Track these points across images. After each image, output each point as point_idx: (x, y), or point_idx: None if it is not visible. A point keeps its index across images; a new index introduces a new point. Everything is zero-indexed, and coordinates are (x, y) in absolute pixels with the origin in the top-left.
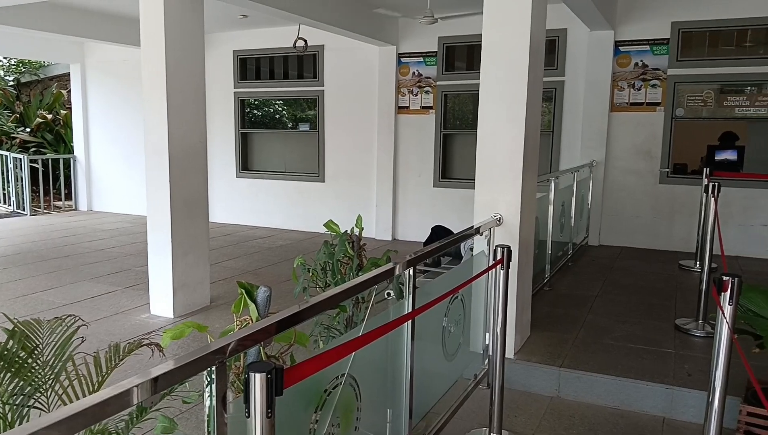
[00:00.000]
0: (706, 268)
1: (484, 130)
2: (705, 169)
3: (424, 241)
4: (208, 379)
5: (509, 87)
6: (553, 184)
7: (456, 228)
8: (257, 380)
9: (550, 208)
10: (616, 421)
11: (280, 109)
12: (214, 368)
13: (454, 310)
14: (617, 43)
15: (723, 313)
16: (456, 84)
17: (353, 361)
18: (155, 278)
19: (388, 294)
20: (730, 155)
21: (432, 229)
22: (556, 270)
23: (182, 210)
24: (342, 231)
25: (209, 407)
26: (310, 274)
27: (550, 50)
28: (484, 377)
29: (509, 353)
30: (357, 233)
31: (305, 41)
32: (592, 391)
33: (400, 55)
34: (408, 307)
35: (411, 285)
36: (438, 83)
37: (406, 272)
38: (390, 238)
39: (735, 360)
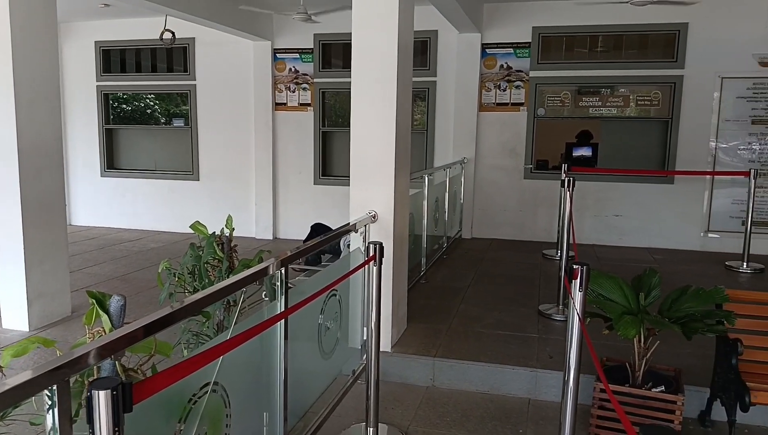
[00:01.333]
0: (564, 256)
1: (357, 129)
2: (563, 165)
3: (304, 239)
4: (49, 400)
5: (380, 87)
6: (426, 181)
7: (337, 225)
8: (101, 398)
9: (425, 204)
10: (486, 406)
11: (151, 103)
12: (54, 387)
13: (330, 308)
14: (484, 46)
15: (574, 300)
16: (333, 81)
17: (221, 366)
18: (6, 289)
19: (266, 295)
20: (585, 152)
21: (312, 226)
22: (432, 263)
23: (36, 213)
24: (215, 232)
25: (50, 430)
26: (177, 278)
27: (422, 51)
28: (363, 372)
29: (386, 347)
30: (228, 234)
31: (173, 33)
32: (464, 378)
33: (275, 51)
34: (280, 307)
35: (283, 284)
36: (315, 80)
37: (279, 272)
38: (271, 237)
39: (592, 340)
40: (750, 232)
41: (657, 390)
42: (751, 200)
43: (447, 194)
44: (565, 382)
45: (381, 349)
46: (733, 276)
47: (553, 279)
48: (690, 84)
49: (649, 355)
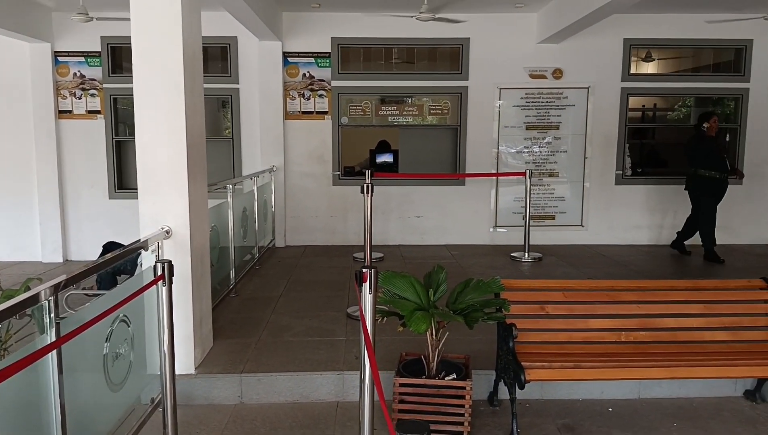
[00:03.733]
0: (368, 258)
1: (143, 139)
2: (367, 171)
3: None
4: None
5: (166, 95)
6: (230, 191)
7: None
8: None
9: (230, 214)
10: (295, 415)
11: None
12: None
13: (119, 333)
14: (285, 54)
15: (364, 302)
16: (126, 87)
17: None
18: None
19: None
20: (387, 158)
21: (104, 245)
22: (243, 275)
23: None
24: None
25: None
26: None
27: (223, 57)
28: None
29: (189, 368)
30: None
31: None
32: (273, 391)
33: (56, 54)
34: (50, 338)
35: (52, 314)
36: (105, 86)
37: (47, 301)
38: (61, 260)
39: (390, 338)
40: (529, 226)
41: (449, 378)
42: (528, 197)
43: (256, 203)
44: (362, 381)
45: (184, 372)
46: (517, 265)
47: None
48: (474, 94)
49: (440, 346)
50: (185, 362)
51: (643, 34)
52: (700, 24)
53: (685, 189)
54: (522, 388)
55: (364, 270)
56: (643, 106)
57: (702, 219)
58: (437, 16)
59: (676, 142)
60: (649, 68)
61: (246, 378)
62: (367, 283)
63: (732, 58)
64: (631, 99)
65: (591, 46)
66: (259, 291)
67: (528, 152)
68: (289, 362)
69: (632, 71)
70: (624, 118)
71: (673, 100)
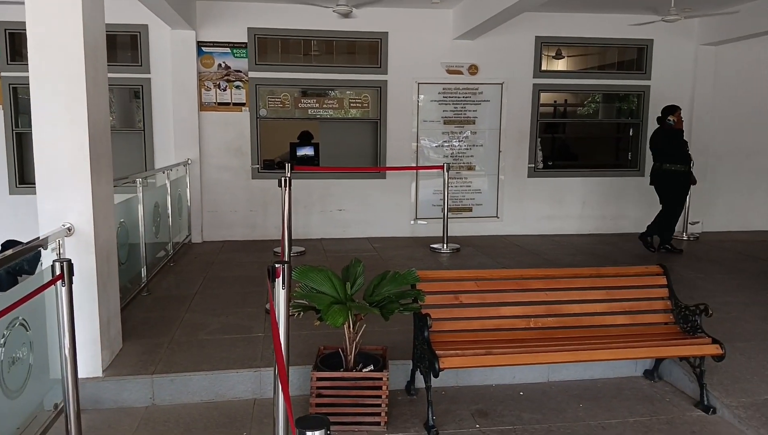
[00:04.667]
0: (287, 253)
1: (41, 132)
2: (287, 164)
3: None
4: None
5: (65, 85)
6: (140, 185)
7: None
8: None
9: (140, 210)
10: (210, 414)
11: None
12: None
13: (15, 338)
14: (200, 44)
15: (276, 298)
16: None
17: None
18: None
19: None
20: (308, 151)
21: (2, 244)
22: (156, 272)
23: None
24: None
25: None
26: None
27: (132, 46)
28: None
29: (97, 371)
30: None
31: None
32: (187, 391)
33: None
34: None
35: None
36: (3, 74)
37: None
38: None
39: (309, 332)
40: (447, 218)
41: (367, 370)
42: (446, 190)
43: (169, 198)
44: (276, 377)
45: (91, 375)
46: (436, 256)
47: None
48: (393, 88)
49: (358, 338)
50: (92, 365)
51: (553, 32)
52: (606, 23)
53: (651, 184)
54: (436, 376)
55: (276, 265)
56: (555, 101)
57: (669, 212)
58: (354, 8)
59: (585, 137)
60: (559, 65)
61: (158, 379)
62: (280, 278)
63: (635, 57)
64: (543, 95)
65: (504, 43)
66: (174, 289)
67: (449, 146)
68: (204, 361)
69: (543, 68)
70: (536, 114)
71: (583, 96)
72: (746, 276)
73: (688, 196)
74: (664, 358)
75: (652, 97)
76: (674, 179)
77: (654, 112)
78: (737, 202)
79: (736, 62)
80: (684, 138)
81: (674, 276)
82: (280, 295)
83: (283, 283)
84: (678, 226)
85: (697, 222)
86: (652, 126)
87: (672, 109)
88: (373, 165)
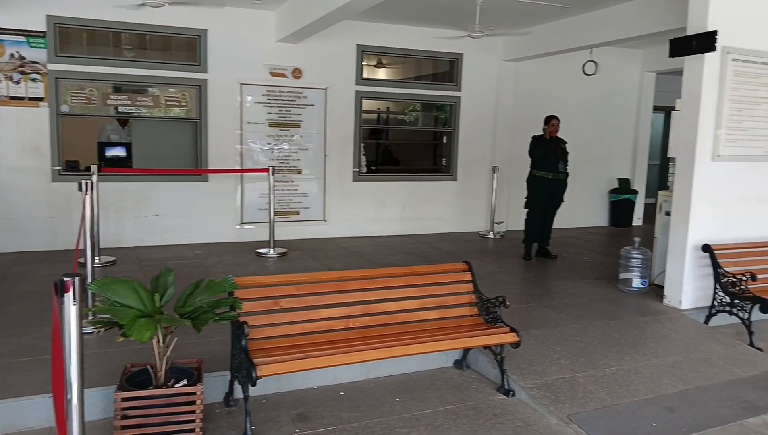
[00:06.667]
0: (89, 264)
1: None
2: (95, 165)
3: None
4: None
5: None
6: None
7: None
8: None
9: None
10: None
11: None
12: None
13: None
14: None
15: (66, 316)
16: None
17: None
18: None
19: None
20: (119, 151)
21: None
22: None
23: None
24: None
25: None
26: None
27: None
28: None
29: None
30: None
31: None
32: None
33: None
34: None
35: None
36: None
37: None
38: None
39: (116, 349)
40: (273, 222)
41: (180, 385)
42: (272, 194)
43: None
44: (68, 402)
45: None
46: (262, 261)
47: None
48: (214, 88)
49: (169, 353)
50: None
51: (373, 41)
52: (421, 36)
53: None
54: (254, 385)
55: (65, 278)
56: (378, 108)
57: (527, 216)
58: (168, 3)
59: (407, 143)
60: (380, 74)
61: None
62: (71, 292)
63: (448, 69)
64: (366, 102)
65: (327, 49)
66: None
67: (278, 149)
68: None
69: (365, 75)
70: (359, 120)
71: (404, 104)
72: (542, 269)
73: (559, 204)
74: (470, 348)
75: (462, 108)
76: (537, 184)
77: (465, 121)
78: None
79: (533, 77)
80: (563, 146)
81: (479, 271)
82: (71, 312)
83: (74, 298)
84: (485, 225)
85: (502, 221)
86: (464, 134)
87: (547, 119)
88: (194, 167)
